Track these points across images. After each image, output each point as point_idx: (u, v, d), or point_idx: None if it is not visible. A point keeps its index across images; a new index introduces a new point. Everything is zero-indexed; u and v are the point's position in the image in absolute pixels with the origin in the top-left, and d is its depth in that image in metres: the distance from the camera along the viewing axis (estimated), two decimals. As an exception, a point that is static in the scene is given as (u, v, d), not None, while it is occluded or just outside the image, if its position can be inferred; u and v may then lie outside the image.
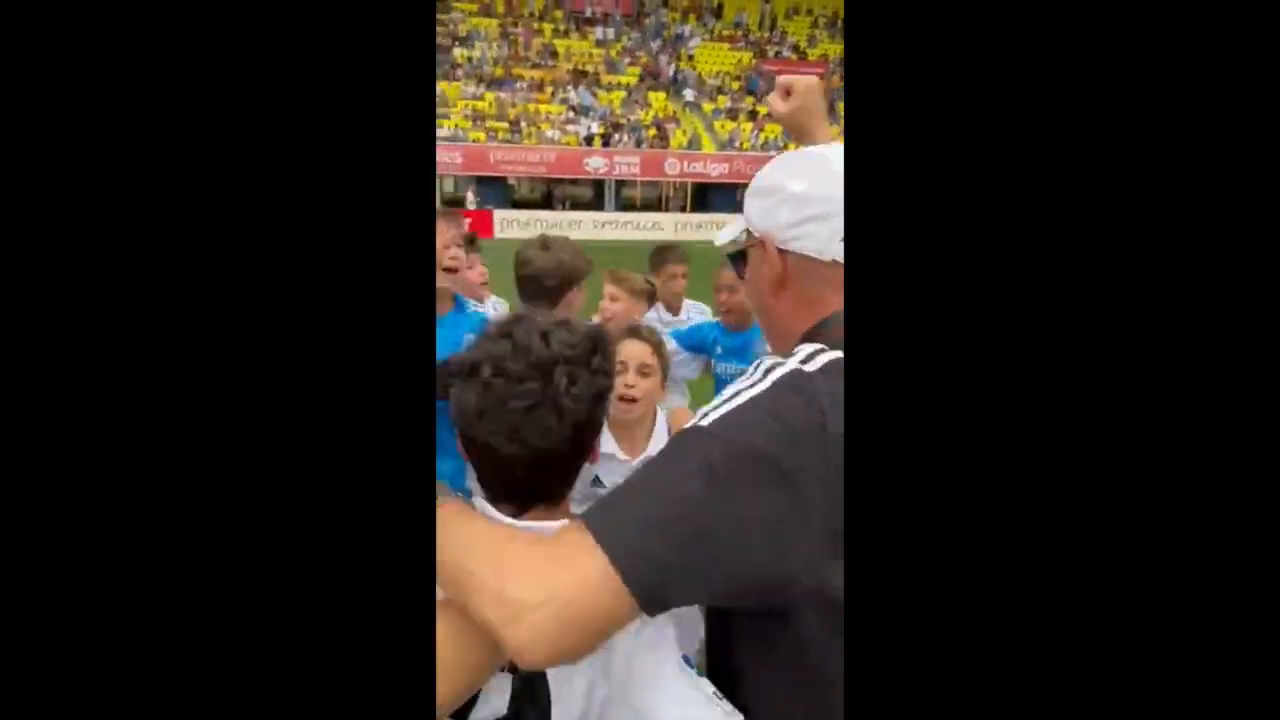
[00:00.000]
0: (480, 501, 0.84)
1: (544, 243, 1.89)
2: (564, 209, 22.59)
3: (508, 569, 0.68)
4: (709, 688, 0.76)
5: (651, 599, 0.66)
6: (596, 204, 23.11)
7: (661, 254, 3.15)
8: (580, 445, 0.83)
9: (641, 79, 25.10)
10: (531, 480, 0.82)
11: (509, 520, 0.81)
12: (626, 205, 24.03)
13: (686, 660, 0.83)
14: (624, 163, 22.10)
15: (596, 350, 0.82)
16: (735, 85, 25.84)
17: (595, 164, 21.96)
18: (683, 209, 23.67)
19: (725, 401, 0.72)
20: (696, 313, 3.20)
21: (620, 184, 23.13)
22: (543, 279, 1.82)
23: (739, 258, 0.94)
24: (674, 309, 3.15)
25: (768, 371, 0.73)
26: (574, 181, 23.23)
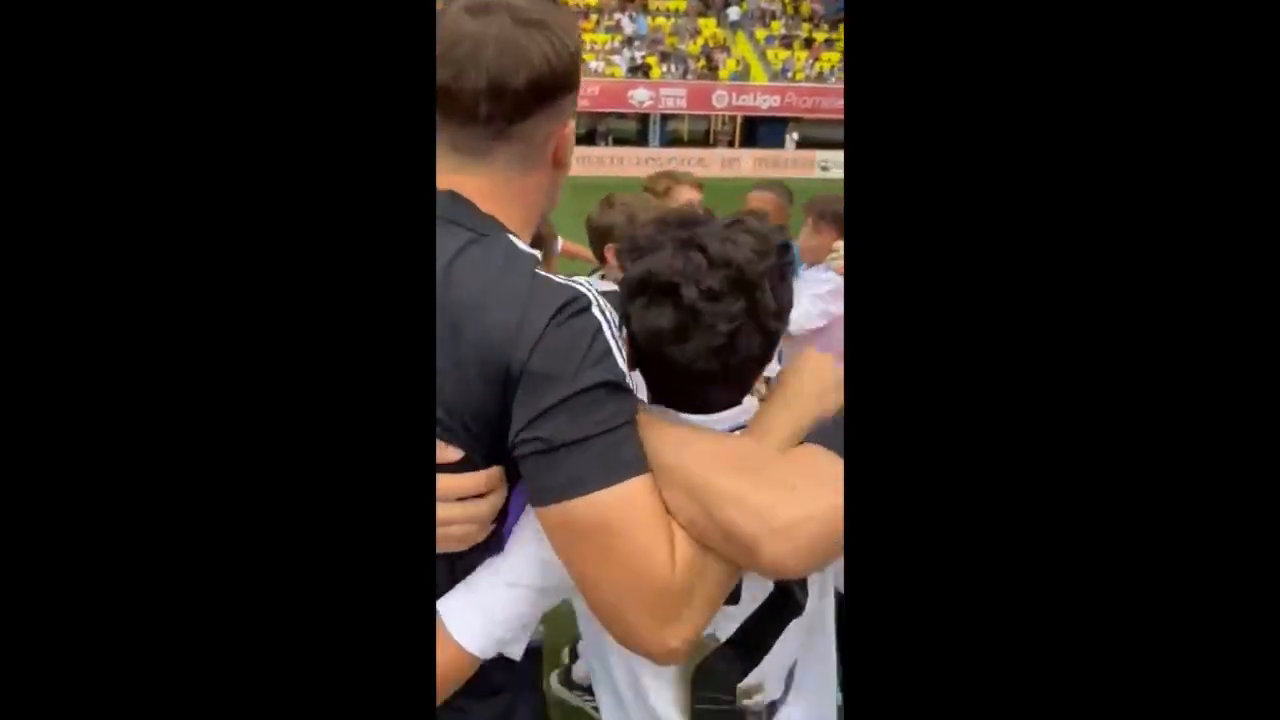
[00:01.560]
0: (662, 409, 0.81)
1: (609, 200, 1.96)
2: (606, 144, 21.89)
3: (763, 483, 0.69)
4: None
5: None
6: (640, 139, 22.33)
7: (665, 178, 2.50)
8: (771, 351, 0.80)
9: (691, 4, 23.83)
10: (720, 390, 0.81)
11: (699, 418, 0.80)
12: (672, 140, 23.18)
13: None
14: (670, 95, 21.18)
15: (787, 252, 0.79)
16: (795, 8, 24.30)
17: (640, 96, 21.11)
18: (730, 144, 22.73)
19: None
20: None
21: (665, 118, 22.25)
22: (610, 234, 1.90)
23: None
24: None
25: None
26: (620, 115, 22.44)
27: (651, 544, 0.67)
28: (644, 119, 22.16)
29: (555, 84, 0.72)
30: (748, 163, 20.34)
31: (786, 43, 23.73)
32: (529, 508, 0.75)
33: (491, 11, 0.70)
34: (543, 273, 0.72)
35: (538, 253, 0.76)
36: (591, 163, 19.16)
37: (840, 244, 2.34)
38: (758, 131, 22.78)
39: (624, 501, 0.67)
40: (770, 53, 23.27)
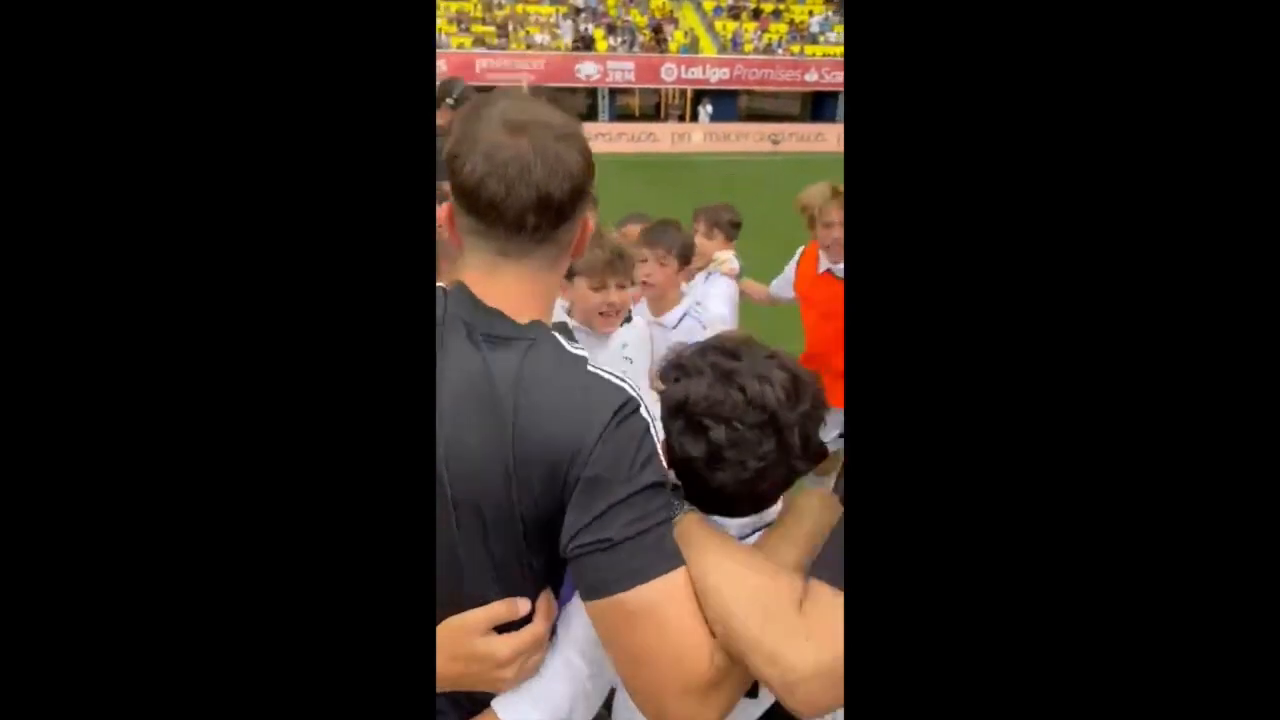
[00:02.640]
0: (691, 508, 0.85)
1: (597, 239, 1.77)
2: (556, 120, 21.37)
3: (779, 630, 0.73)
4: None
5: None
6: (590, 114, 21.90)
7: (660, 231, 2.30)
8: (794, 480, 0.87)
9: (636, -26, 23.31)
10: (745, 505, 0.88)
11: (723, 521, 0.86)
12: (622, 114, 22.81)
13: None
14: (618, 69, 20.77)
15: (821, 399, 0.86)
16: (737, -20, 24.03)
17: (588, 70, 20.65)
18: (681, 118, 22.46)
19: None
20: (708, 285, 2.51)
21: (614, 92, 21.84)
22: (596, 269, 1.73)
23: None
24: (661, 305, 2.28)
25: None
26: (572, 90, 21.97)
27: (696, 629, 0.74)
28: (592, 93, 21.73)
29: (588, 187, 0.79)
30: (698, 136, 20.14)
31: (734, 13, 23.46)
32: (574, 603, 0.81)
33: (529, 129, 0.75)
34: (592, 369, 0.77)
35: (585, 352, 0.80)
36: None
37: (723, 252, 2.52)
38: (708, 104, 22.56)
39: (674, 589, 0.73)
40: (719, 24, 22.98)
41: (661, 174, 14.23)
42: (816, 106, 23.97)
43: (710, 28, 22.77)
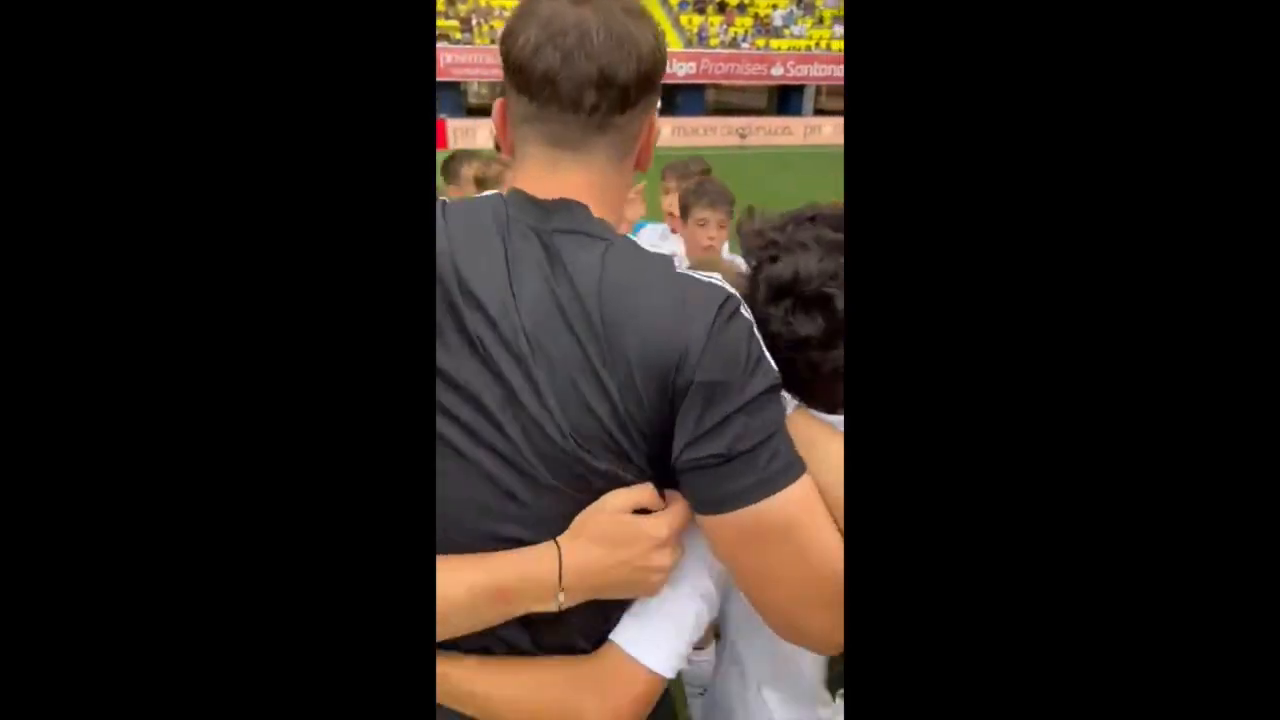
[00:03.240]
0: (797, 404, 0.81)
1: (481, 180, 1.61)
2: (523, 115, 21.17)
3: None
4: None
5: None
6: (557, 109, 21.66)
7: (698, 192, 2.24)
8: None
9: (601, -32, 23.17)
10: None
11: (827, 417, 0.80)
12: (589, 110, 22.61)
13: None
14: (585, 63, 20.60)
15: None
16: (702, -26, 24.04)
17: (554, 65, 20.45)
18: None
19: None
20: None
21: (582, 87, 21.67)
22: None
23: None
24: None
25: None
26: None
27: (830, 538, 0.68)
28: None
29: (657, 76, 0.71)
30: (666, 131, 20.12)
31: (700, 8, 23.46)
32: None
33: (595, 0, 0.67)
34: (682, 270, 0.70)
35: (668, 251, 0.72)
36: (507, 135, 18.51)
37: (728, 256, 2.26)
38: (676, 99, 22.54)
39: (803, 497, 0.68)
40: (684, 18, 22.97)
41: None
42: (782, 100, 24.13)
43: (676, 22, 22.76)
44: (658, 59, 0.70)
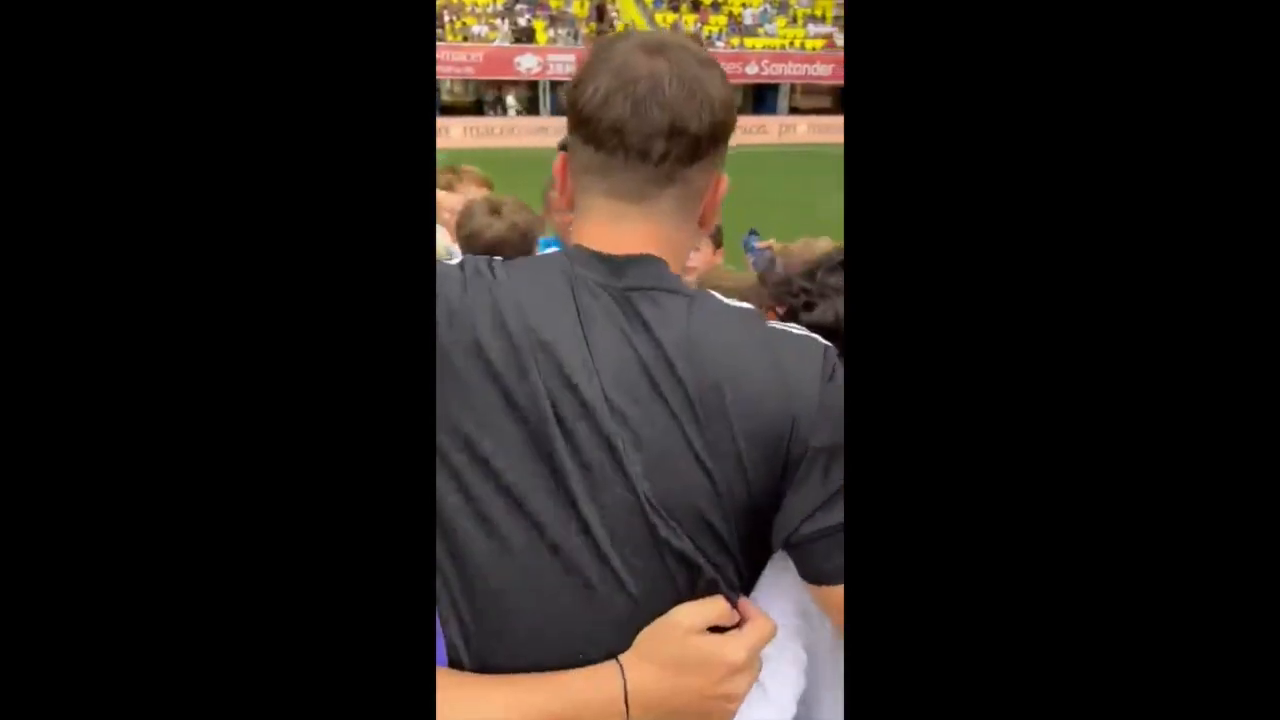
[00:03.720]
0: None
1: (493, 207, 1.60)
2: (496, 114, 21.06)
3: None
4: None
5: None
6: (532, 107, 21.58)
7: None
8: None
9: (574, -34, 23.10)
10: None
11: None
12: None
13: None
14: (559, 61, 20.54)
15: None
16: (676, -28, 24.05)
17: (528, 63, 20.36)
18: (624, 111, 22.33)
19: None
20: None
21: (556, 85, 21.61)
22: (501, 249, 1.55)
23: None
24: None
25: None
26: (514, 83, 21.61)
27: None
28: (533, 86, 21.44)
29: (728, 130, 0.69)
30: (642, 130, 20.08)
31: (674, 5, 23.47)
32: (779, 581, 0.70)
33: (668, 50, 0.65)
34: (771, 323, 0.68)
35: (748, 305, 0.70)
36: (481, 133, 18.40)
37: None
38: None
39: None
40: (659, 16, 22.96)
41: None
42: (757, 99, 24.23)
43: (651, 20, 22.73)
44: (730, 112, 0.68)
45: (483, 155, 15.82)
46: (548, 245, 2.53)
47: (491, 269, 0.66)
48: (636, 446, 0.61)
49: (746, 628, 0.65)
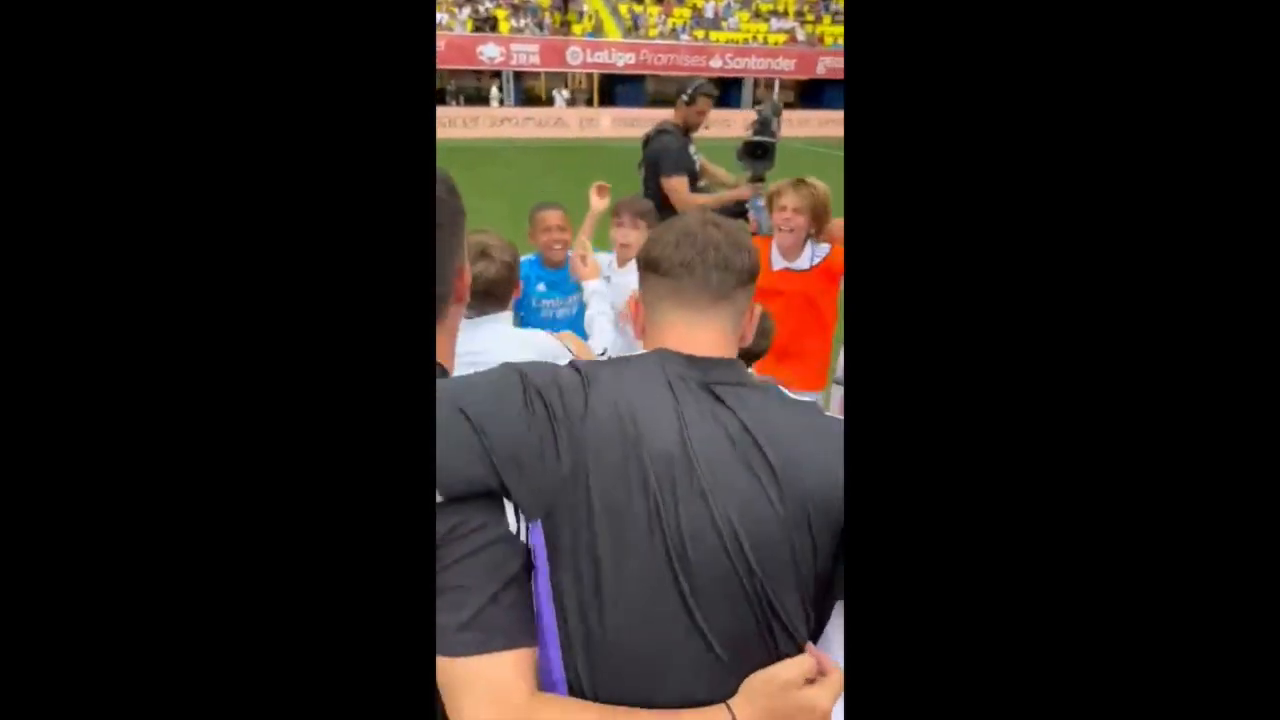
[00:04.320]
0: None
1: (481, 251, 1.75)
2: (458, 104, 20.78)
3: None
4: None
5: None
6: (480, 98, 21.32)
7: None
8: None
9: (537, -45, 22.83)
10: None
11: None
12: (527, 99, 22.37)
13: None
14: (522, 51, 20.33)
15: None
16: (640, -36, 23.94)
17: (490, 53, 20.11)
18: (589, 103, 22.26)
19: None
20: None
21: (519, 75, 21.39)
22: (497, 288, 1.75)
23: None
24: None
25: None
26: (477, 74, 21.32)
27: None
28: (496, 76, 21.18)
29: (755, 274, 0.94)
30: (605, 121, 20.03)
31: (638, -3, 23.37)
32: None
33: (718, 223, 0.93)
34: (825, 413, 0.83)
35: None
36: (443, 124, 18.12)
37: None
38: (616, 90, 22.46)
39: None
40: (623, 8, 22.85)
41: (569, 159, 14.06)
42: (722, 93, 24.29)
43: (615, 11, 22.62)
44: (756, 261, 0.94)
45: (452, 145, 15.55)
46: (530, 264, 2.61)
47: (610, 368, 0.84)
48: (738, 514, 0.74)
49: (829, 679, 0.76)
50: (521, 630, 0.71)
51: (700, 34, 23.09)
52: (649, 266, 0.91)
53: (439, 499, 0.69)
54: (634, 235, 2.56)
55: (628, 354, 0.87)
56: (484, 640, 0.69)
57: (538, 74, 22.15)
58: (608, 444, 0.75)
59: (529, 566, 0.73)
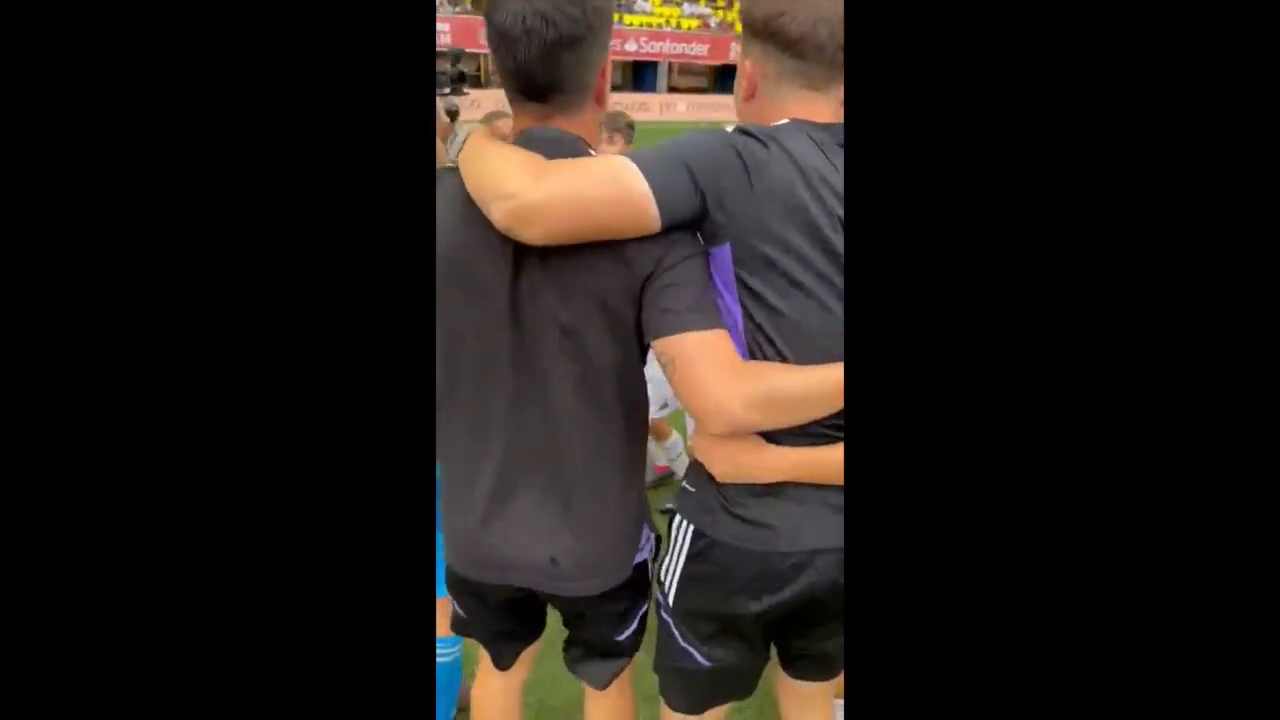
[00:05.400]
0: None
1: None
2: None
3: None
4: None
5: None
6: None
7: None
8: None
9: (448, -68, 22.31)
10: None
11: None
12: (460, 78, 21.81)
13: None
14: (439, 31, 19.77)
15: None
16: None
17: (404, 31, 19.41)
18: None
19: None
20: None
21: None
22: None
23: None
24: None
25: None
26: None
27: None
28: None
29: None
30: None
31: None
32: None
33: None
34: None
35: None
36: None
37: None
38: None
39: None
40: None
41: (491, 141, 13.81)
42: (637, 76, 24.48)
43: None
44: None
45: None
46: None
47: (775, 136, 0.96)
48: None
49: None
50: (722, 318, 0.93)
51: (616, 16, 22.95)
52: (770, 37, 0.97)
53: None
54: (612, 149, 2.73)
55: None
56: (708, 320, 0.91)
57: (444, 54, 21.66)
58: (785, 187, 0.91)
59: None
